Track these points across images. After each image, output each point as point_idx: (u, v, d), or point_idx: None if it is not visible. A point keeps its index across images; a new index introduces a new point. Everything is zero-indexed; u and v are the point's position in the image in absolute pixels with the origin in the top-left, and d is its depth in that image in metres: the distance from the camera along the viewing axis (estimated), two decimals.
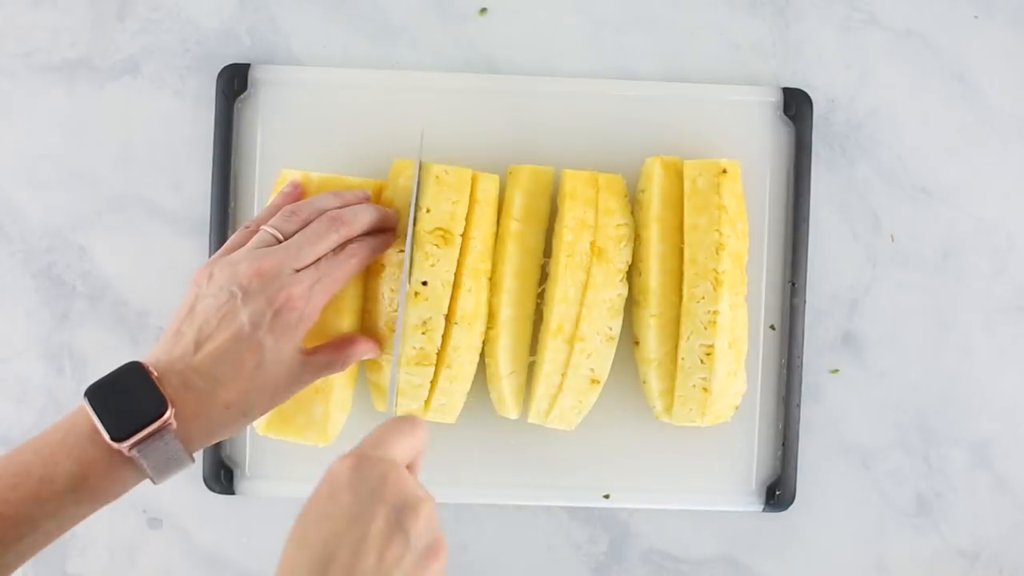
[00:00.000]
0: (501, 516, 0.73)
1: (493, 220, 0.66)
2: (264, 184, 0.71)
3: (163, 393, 0.50)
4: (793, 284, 0.72)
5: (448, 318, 0.64)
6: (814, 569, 0.74)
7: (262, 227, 0.59)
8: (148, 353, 0.53)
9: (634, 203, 0.69)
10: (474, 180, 0.65)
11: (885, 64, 0.74)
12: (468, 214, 0.64)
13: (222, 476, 0.70)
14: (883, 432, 0.74)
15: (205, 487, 0.71)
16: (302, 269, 0.56)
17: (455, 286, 0.64)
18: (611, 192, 0.67)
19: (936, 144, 0.74)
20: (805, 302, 0.72)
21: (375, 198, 0.66)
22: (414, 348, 0.63)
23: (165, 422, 0.50)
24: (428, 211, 0.63)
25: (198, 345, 0.53)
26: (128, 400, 0.50)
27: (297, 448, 0.66)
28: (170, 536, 0.72)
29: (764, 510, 0.72)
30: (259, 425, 0.64)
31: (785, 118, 0.72)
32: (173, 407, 0.50)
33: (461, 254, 0.64)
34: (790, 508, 0.73)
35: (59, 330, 0.72)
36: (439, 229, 0.64)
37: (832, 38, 0.74)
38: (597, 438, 0.71)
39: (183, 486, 0.71)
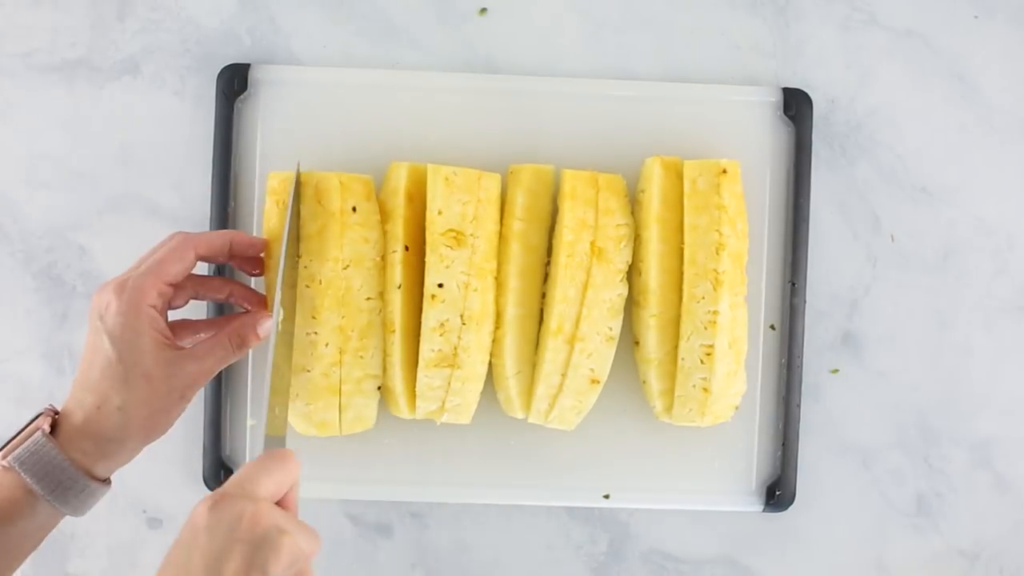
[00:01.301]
0: (501, 516, 0.73)
1: (497, 219, 0.66)
2: (264, 184, 0.71)
3: (47, 408, 0.56)
4: (793, 284, 0.72)
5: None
6: (814, 569, 0.74)
7: None
8: None
9: (634, 203, 0.69)
10: (478, 180, 0.65)
11: (885, 64, 0.74)
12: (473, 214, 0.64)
13: (222, 476, 0.70)
14: (883, 432, 0.74)
15: (205, 487, 0.71)
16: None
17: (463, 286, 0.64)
18: (611, 192, 0.67)
19: (936, 144, 0.74)
20: (805, 302, 0.72)
21: (366, 197, 0.65)
22: (432, 351, 0.64)
23: (34, 425, 0.54)
24: (440, 213, 0.63)
25: (77, 366, 0.58)
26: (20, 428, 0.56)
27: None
28: (170, 536, 0.72)
29: (764, 510, 0.72)
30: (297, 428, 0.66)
31: (785, 118, 0.72)
32: (52, 416, 0.55)
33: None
34: (790, 508, 0.73)
35: (59, 330, 0.72)
36: (452, 231, 0.64)
37: (832, 38, 0.74)
38: (597, 438, 0.71)
39: (183, 486, 0.72)
